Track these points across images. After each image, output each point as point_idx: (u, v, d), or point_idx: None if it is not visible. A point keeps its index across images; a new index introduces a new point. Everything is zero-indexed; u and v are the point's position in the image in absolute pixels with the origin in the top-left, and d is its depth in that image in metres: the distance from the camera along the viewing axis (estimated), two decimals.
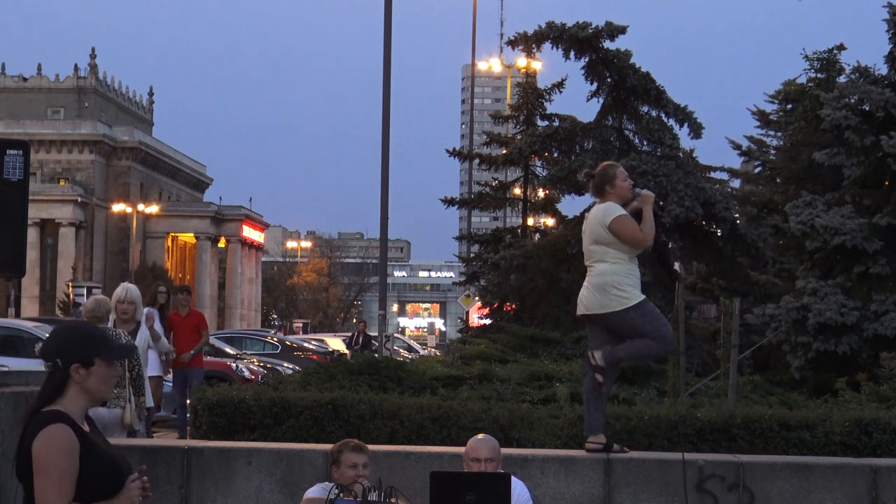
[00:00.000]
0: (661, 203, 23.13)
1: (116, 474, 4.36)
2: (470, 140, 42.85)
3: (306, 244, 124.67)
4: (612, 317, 7.97)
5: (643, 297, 7.97)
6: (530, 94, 33.46)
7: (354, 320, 43.76)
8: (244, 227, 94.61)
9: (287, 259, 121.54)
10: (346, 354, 30.56)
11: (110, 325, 10.68)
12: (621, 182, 8.17)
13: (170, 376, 16.00)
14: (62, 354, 4.38)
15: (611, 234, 7.99)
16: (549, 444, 9.12)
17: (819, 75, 24.58)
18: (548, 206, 33.78)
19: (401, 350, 36.66)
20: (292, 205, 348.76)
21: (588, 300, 8.04)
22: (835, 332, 16.42)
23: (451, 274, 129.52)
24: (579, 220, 25.87)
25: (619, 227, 7.98)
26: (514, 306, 27.15)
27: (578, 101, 26.75)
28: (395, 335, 40.84)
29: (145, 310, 11.68)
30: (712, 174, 35.40)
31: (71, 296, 64.44)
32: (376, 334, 26.00)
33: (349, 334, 40.57)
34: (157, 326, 14.27)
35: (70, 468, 4.23)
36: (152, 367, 13.32)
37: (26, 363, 17.99)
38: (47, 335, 4.61)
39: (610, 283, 7.97)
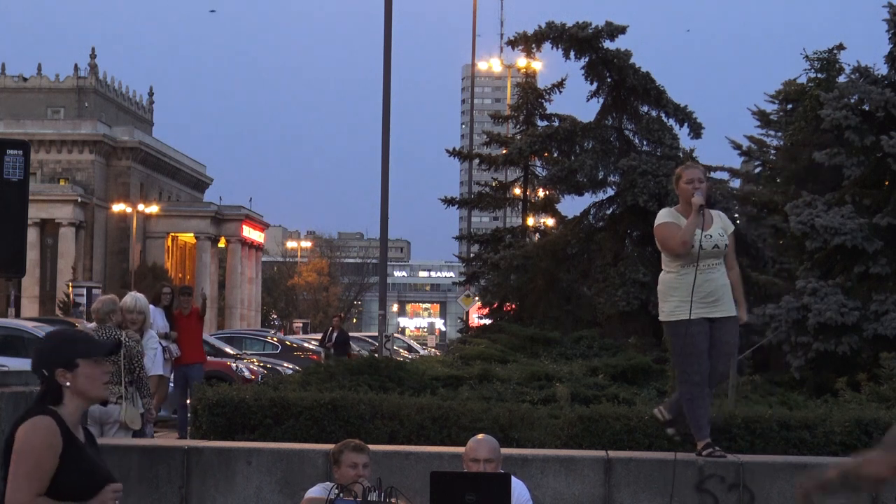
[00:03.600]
0: (660, 205, 23.15)
1: (92, 482, 4.36)
2: (470, 140, 42.84)
3: (306, 244, 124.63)
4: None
5: (684, 317, 7.83)
6: (530, 94, 33.44)
7: (331, 318, 39.53)
8: (244, 227, 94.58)
9: (287, 259, 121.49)
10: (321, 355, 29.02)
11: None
12: (684, 185, 8.13)
13: (171, 376, 16.06)
14: (45, 364, 4.45)
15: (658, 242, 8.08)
16: (549, 444, 9.11)
17: (819, 75, 24.57)
18: (548, 206, 33.77)
19: (401, 350, 36.62)
20: (292, 205, 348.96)
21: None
22: (835, 332, 16.41)
23: (451, 274, 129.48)
24: (579, 220, 25.89)
25: (658, 235, 8.04)
26: (514, 306, 27.15)
27: (578, 101, 26.74)
28: (395, 335, 40.76)
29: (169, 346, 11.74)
30: (712, 174, 35.40)
31: (71, 296, 64.43)
32: (359, 333, 25.95)
33: (351, 334, 39.45)
34: (163, 325, 14.31)
35: (47, 460, 4.26)
36: (157, 367, 13.35)
37: (26, 363, 17.97)
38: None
39: (659, 290, 8.10)
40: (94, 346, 4.59)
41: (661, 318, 8.02)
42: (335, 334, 28.95)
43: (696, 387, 7.90)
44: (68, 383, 4.41)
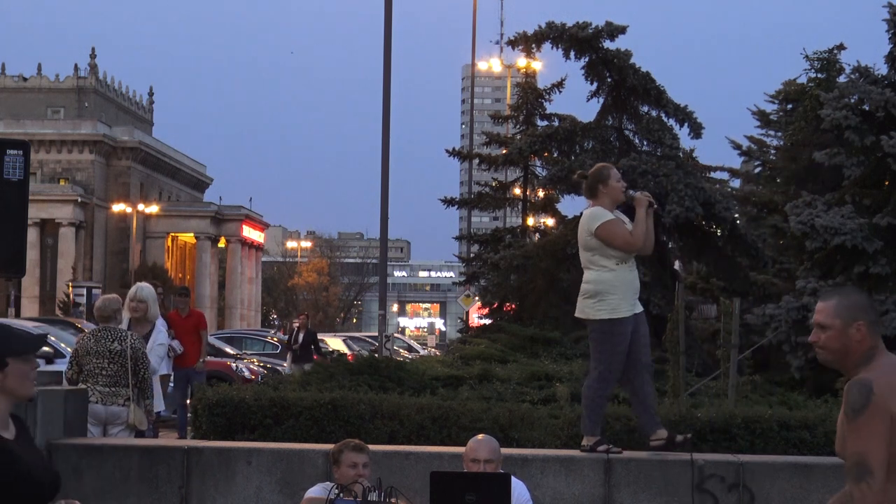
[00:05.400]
0: (660, 204, 23.16)
1: (27, 482, 4.19)
2: (470, 140, 42.84)
3: (306, 244, 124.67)
4: (587, 324, 8.16)
5: (623, 315, 7.95)
6: (530, 94, 33.44)
7: (292, 321, 33.31)
8: (244, 227, 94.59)
9: (287, 259, 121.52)
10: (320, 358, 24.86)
11: (124, 325, 10.70)
12: (615, 183, 8.16)
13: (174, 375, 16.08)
14: None
15: (597, 240, 8.01)
16: (549, 444, 9.12)
17: (819, 75, 24.57)
18: (548, 206, 33.77)
19: (401, 350, 36.63)
20: (292, 205, 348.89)
21: (578, 304, 8.21)
22: None
23: (451, 274, 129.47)
24: (579, 220, 25.91)
25: (605, 233, 8.00)
26: (514, 306, 27.13)
27: (578, 101, 26.71)
28: (395, 335, 40.75)
29: (174, 343, 11.74)
30: (712, 174, 35.41)
31: (71, 296, 64.43)
32: (359, 333, 25.54)
33: (351, 334, 38.85)
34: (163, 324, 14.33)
35: None
36: (166, 366, 13.36)
37: None
38: None
39: (591, 290, 8.07)
40: (23, 342, 4.35)
41: (599, 316, 7.97)
42: (301, 335, 25.54)
43: (614, 384, 8.22)
44: None
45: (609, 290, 7.96)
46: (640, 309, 8.13)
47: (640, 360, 8.07)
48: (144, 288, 11.26)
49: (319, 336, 40.06)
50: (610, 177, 8.17)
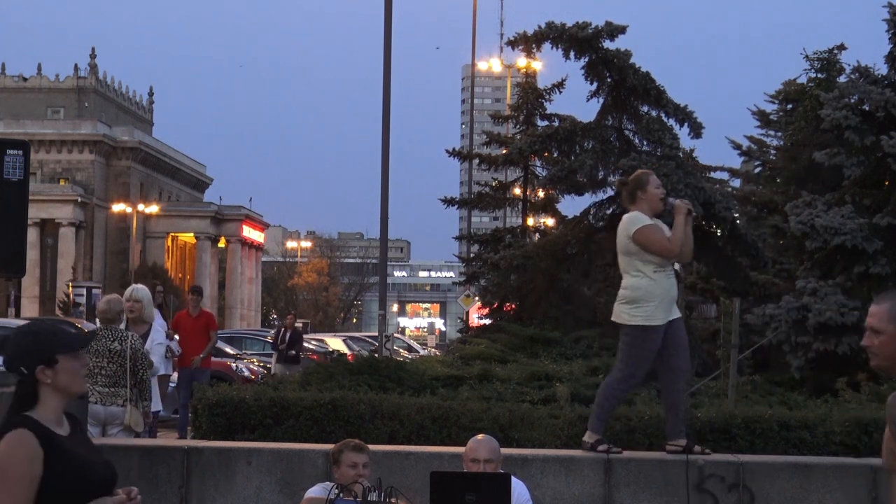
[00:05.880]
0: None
1: (86, 482, 4.23)
2: (470, 140, 42.84)
3: (306, 244, 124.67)
4: (620, 328, 8.16)
5: (657, 323, 7.95)
6: (530, 94, 33.44)
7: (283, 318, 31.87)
8: (244, 227, 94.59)
9: (287, 259, 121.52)
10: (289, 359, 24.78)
11: (123, 325, 10.70)
12: (653, 189, 8.18)
13: (174, 375, 16.05)
14: (23, 361, 4.26)
15: (635, 244, 8.02)
16: (549, 444, 9.11)
17: (819, 75, 24.57)
18: (548, 206, 33.77)
19: (401, 350, 36.62)
20: (292, 205, 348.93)
21: (614, 307, 8.25)
22: (835, 332, 16.40)
23: (451, 274, 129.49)
24: (579, 220, 25.87)
25: (643, 238, 8.01)
26: (514, 306, 27.12)
27: (578, 101, 26.70)
28: (395, 335, 40.74)
29: (172, 344, 11.72)
30: (712, 174, 35.41)
31: (71, 296, 64.41)
32: (359, 333, 25.36)
33: (351, 334, 38.42)
34: (160, 323, 14.31)
35: (27, 475, 4.11)
36: (165, 366, 13.34)
37: None
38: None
39: (627, 296, 8.09)
40: (73, 339, 4.37)
41: (634, 322, 7.98)
42: (288, 335, 25.09)
43: (633, 388, 8.37)
44: (49, 381, 4.24)
45: (646, 298, 7.98)
46: (677, 315, 8.12)
47: (676, 364, 8.06)
48: (139, 289, 11.27)
49: (319, 336, 39.57)
50: (649, 183, 8.20)
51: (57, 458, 4.17)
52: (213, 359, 21.88)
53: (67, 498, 4.18)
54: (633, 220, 8.08)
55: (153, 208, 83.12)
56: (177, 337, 15.73)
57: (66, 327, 4.58)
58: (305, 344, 36.91)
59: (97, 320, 10.74)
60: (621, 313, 8.12)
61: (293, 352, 24.80)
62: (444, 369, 14.32)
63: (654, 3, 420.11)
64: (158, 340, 11.66)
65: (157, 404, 11.27)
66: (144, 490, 8.31)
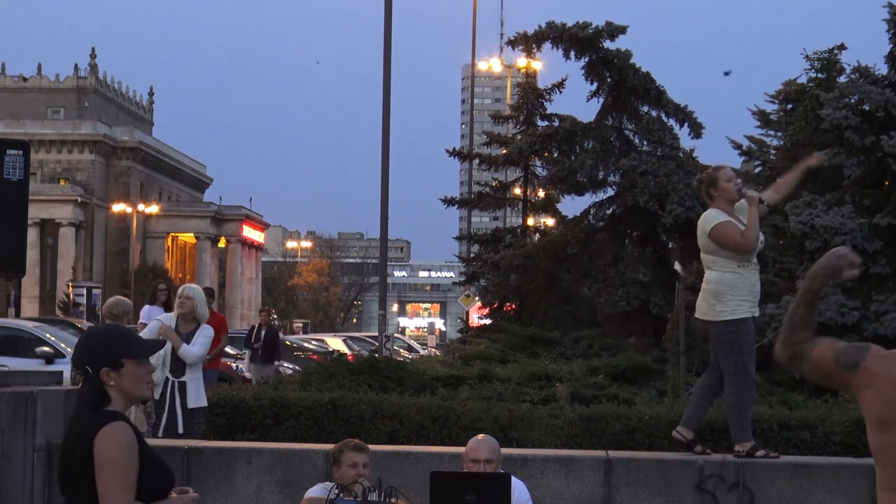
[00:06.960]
0: (660, 205, 23.17)
1: (167, 475, 4.37)
2: (470, 140, 42.84)
3: (306, 244, 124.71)
4: (709, 326, 8.08)
5: (746, 314, 7.90)
6: (530, 94, 33.43)
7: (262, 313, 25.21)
8: (244, 227, 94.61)
9: (287, 259, 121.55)
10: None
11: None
12: (724, 183, 8.15)
13: None
14: (90, 361, 4.33)
15: (712, 242, 8.02)
16: (549, 444, 9.12)
17: (819, 75, 24.54)
18: (548, 206, 33.76)
19: (401, 350, 36.60)
20: (292, 205, 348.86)
21: (698, 305, 8.18)
22: (835, 332, 16.39)
23: (451, 274, 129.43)
24: (579, 220, 25.89)
25: (717, 235, 8.00)
26: (514, 306, 27.14)
27: (578, 101, 26.71)
28: (395, 335, 40.73)
29: (164, 316, 11.12)
30: None
31: (71, 296, 64.43)
32: (359, 333, 25.12)
33: (351, 334, 38.17)
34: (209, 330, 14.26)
35: (133, 466, 4.20)
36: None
37: (26, 363, 18.02)
38: (77, 342, 4.55)
39: (711, 291, 8.05)
40: (140, 344, 4.46)
41: (721, 317, 7.92)
42: (263, 332, 23.20)
43: (753, 385, 8.06)
44: (112, 383, 4.30)
45: (730, 291, 7.94)
46: (757, 313, 8.06)
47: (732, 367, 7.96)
48: (192, 287, 11.04)
49: (319, 336, 38.93)
50: (719, 178, 8.17)
51: (143, 455, 4.27)
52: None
53: (152, 494, 4.27)
54: (707, 219, 8.11)
55: (153, 208, 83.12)
56: None
57: (134, 333, 4.67)
58: (305, 344, 36.96)
59: (105, 320, 10.64)
60: (706, 310, 8.03)
61: (267, 351, 23.02)
62: (444, 369, 14.34)
63: (654, 3, 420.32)
64: (206, 334, 10.92)
65: (200, 399, 10.48)
66: None
